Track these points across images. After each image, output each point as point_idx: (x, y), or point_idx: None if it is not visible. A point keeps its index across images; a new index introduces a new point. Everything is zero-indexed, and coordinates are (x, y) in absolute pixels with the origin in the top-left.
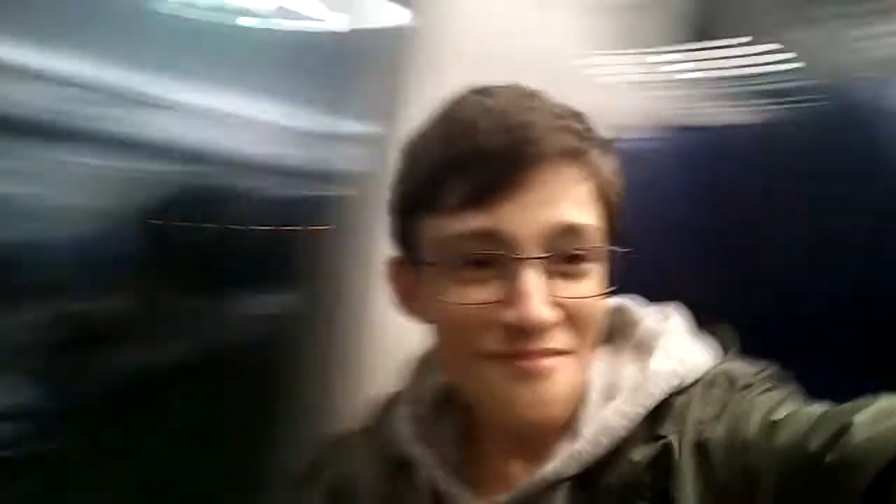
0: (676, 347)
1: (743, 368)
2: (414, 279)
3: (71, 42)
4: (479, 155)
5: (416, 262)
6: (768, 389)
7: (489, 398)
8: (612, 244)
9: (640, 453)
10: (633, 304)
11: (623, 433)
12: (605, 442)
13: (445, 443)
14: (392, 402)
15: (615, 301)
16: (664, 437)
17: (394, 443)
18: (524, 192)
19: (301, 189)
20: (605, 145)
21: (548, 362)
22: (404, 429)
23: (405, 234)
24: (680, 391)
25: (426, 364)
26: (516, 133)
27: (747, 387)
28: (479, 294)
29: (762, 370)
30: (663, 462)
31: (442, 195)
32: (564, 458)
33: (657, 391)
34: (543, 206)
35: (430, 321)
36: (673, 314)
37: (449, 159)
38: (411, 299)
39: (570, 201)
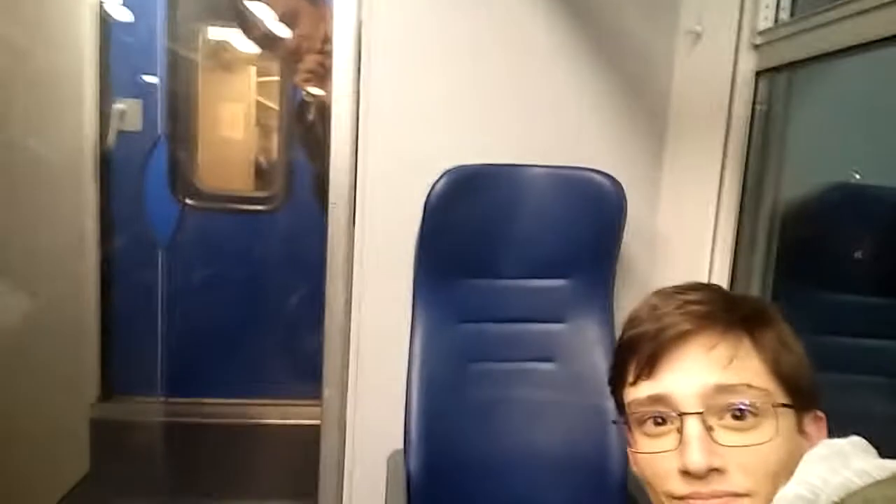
0: (808, 473)
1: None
2: (630, 441)
3: None
4: (641, 340)
5: (626, 426)
6: None
7: None
8: (796, 400)
9: None
10: (828, 442)
11: None
12: None
13: None
14: None
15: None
16: None
17: None
18: (680, 364)
19: None
20: (763, 319)
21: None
22: None
23: (617, 405)
24: None
25: None
26: (665, 321)
27: None
28: (659, 445)
29: None
30: None
31: (625, 373)
32: None
33: None
34: (697, 372)
35: (642, 475)
36: (832, 444)
37: (624, 346)
38: (633, 460)
39: (721, 367)
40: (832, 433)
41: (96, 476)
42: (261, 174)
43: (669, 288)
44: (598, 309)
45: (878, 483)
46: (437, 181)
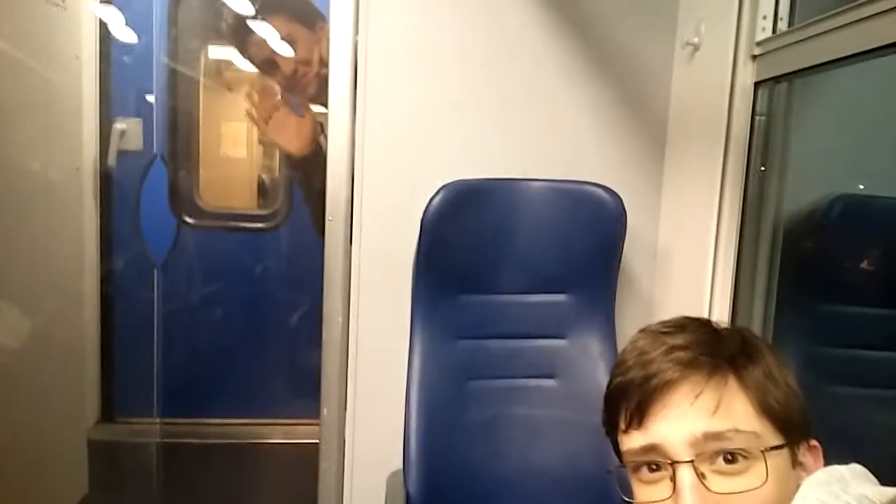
0: (808, 497)
1: None
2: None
3: None
4: (629, 388)
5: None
6: None
7: None
8: (786, 435)
9: None
10: (828, 469)
11: None
12: None
13: None
14: None
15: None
16: None
17: None
18: (667, 412)
19: None
20: (748, 355)
21: None
22: None
23: (615, 450)
24: None
25: None
26: (651, 368)
27: None
28: (654, 493)
29: None
30: None
31: (617, 419)
32: None
33: None
34: (685, 421)
35: None
36: (832, 470)
37: (613, 393)
38: None
39: (708, 413)
40: (839, 449)
41: (95, 498)
42: (262, 192)
43: (656, 326)
44: (600, 324)
45: None
46: (435, 196)
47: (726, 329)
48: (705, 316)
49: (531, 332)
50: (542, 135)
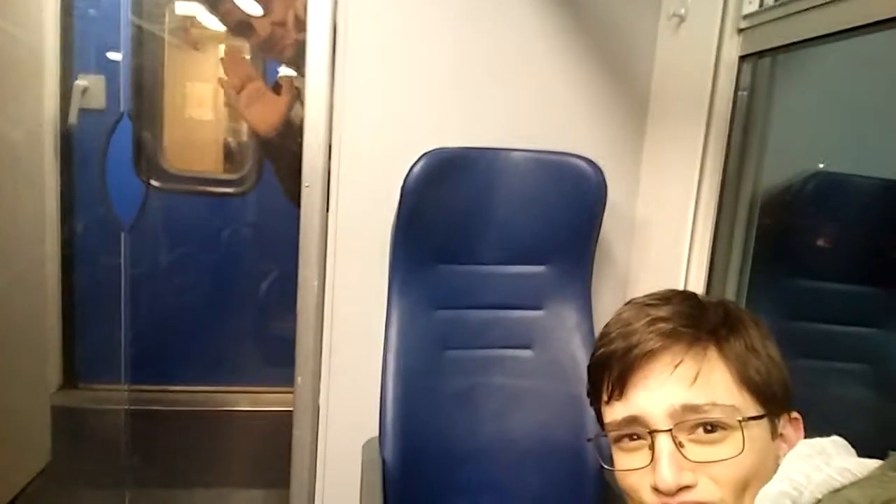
0: (791, 470)
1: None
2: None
3: None
4: (611, 359)
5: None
6: None
7: None
8: (767, 406)
9: None
10: (810, 441)
11: None
12: None
13: None
14: None
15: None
16: None
17: None
18: (647, 383)
19: None
20: (731, 327)
21: None
22: None
23: (598, 419)
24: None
25: None
26: (633, 339)
27: None
28: (633, 461)
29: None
30: None
31: (600, 390)
32: None
33: None
34: (664, 392)
35: (620, 487)
36: (814, 443)
37: (597, 363)
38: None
39: (686, 385)
40: (814, 421)
41: (59, 465)
42: (230, 156)
43: (641, 299)
44: (577, 296)
45: (859, 481)
46: (415, 164)
47: (711, 302)
48: (680, 288)
49: (509, 302)
50: (524, 104)
